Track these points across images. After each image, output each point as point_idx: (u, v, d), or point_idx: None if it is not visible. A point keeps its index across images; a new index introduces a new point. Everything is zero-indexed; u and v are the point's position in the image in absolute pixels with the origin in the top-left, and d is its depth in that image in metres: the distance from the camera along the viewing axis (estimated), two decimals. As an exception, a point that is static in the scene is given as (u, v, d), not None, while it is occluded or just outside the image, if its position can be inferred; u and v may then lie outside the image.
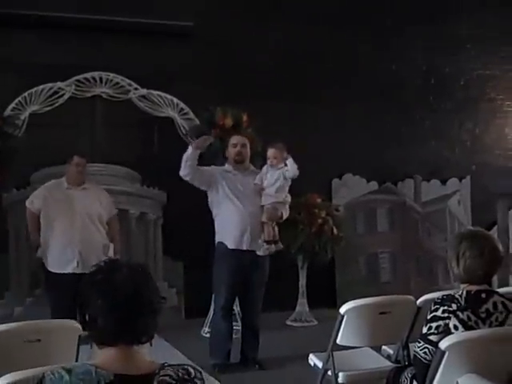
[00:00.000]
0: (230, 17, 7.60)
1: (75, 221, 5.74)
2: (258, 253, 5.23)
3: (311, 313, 7.21)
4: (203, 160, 6.26)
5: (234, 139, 5.49)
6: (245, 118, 6.74)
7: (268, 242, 5.22)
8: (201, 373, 1.98)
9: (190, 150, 5.22)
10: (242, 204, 5.25)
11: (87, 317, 1.93)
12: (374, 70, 8.21)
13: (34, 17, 6.85)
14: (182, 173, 5.26)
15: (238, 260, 5.21)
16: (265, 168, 5.35)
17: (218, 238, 5.36)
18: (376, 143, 8.18)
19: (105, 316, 1.88)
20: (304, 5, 7.91)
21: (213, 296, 5.78)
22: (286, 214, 5.41)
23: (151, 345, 1.96)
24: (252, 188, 5.32)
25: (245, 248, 5.23)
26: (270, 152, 5.30)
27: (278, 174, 5.24)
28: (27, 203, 5.87)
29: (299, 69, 7.87)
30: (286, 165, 5.24)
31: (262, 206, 5.28)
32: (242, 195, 5.28)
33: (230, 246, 5.24)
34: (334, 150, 7.79)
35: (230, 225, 5.24)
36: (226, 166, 5.48)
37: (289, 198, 5.41)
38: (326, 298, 7.50)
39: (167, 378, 1.89)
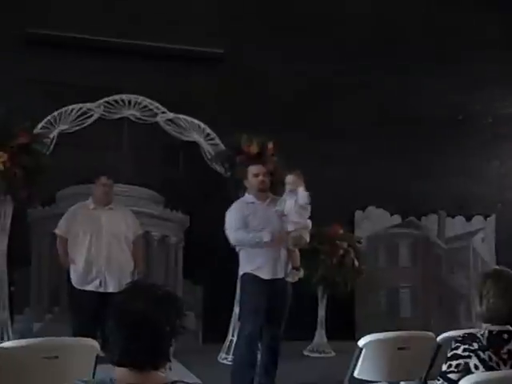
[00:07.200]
0: (258, 46, 7.68)
1: (101, 240, 5.73)
2: (287, 279, 5.18)
3: (329, 344, 7.15)
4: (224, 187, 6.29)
5: (255, 169, 5.36)
6: (270, 145, 6.73)
7: (296, 269, 5.22)
8: None
9: (266, 239, 5.07)
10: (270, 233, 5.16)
11: (104, 336, 1.97)
12: (400, 104, 8.22)
13: (67, 39, 6.97)
14: (239, 243, 5.17)
15: (270, 288, 5.11)
16: (284, 195, 5.28)
17: (245, 270, 5.22)
18: (401, 177, 8.16)
19: (114, 337, 1.92)
20: (332, 38, 7.97)
21: (236, 325, 5.68)
22: (307, 240, 5.31)
23: (170, 369, 1.97)
24: (275, 215, 5.23)
25: (280, 276, 5.16)
26: (289, 178, 5.25)
27: (295, 200, 5.19)
28: (56, 230, 5.88)
29: (325, 100, 7.91)
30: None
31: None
32: (268, 224, 5.18)
33: (266, 276, 5.13)
34: (358, 182, 7.77)
35: (261, 256, 5.13)
36: (247, 196, 5.36)
37: (309, 223, 5.31)
38: (345, 330, 7.42)
39: None
